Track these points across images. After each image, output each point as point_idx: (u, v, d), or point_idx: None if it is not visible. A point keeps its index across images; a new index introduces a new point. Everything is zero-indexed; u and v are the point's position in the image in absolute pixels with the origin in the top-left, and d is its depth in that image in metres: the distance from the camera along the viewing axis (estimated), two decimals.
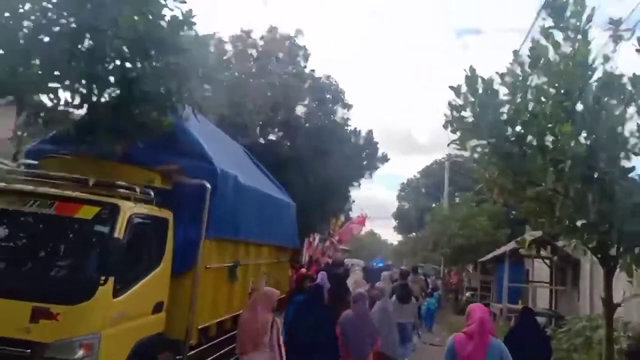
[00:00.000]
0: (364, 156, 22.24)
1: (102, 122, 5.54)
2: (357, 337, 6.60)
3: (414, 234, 50.69)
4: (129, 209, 5.08)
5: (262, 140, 21.30)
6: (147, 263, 5.40)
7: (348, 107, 23.22)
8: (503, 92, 6.52)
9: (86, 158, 5.70)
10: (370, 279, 14.15)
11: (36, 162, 6.00)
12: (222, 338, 7.06)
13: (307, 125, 22.36)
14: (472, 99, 6.45)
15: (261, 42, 22.57)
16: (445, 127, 6.67)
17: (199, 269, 5.95)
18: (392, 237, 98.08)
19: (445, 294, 28.63)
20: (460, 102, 6.54)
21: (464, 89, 6.49)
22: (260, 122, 20.68)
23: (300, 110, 22.71)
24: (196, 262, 5.89)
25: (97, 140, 5.59)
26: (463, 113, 6.54)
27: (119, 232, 4.82)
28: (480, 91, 6.39)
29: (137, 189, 5.41)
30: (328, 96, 22.85)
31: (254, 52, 22.58)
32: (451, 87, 6.53)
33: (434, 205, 38.03)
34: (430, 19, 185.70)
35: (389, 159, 22.65)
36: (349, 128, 22.39)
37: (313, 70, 22.60)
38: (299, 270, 11.90)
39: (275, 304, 5.96)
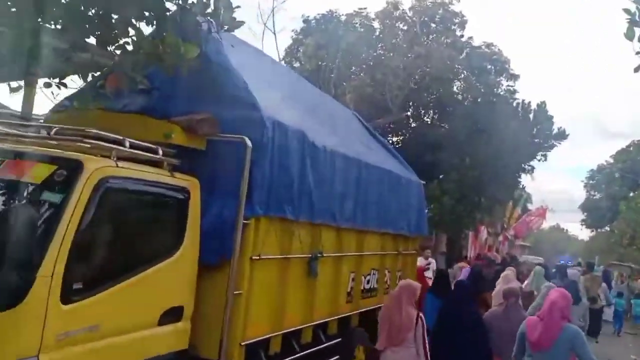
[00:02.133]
0: (534, 133, 18.64)
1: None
2: (501, 337, 5.79)
3: (607, 228, 43.69)
4: (98, 169, 3.33)
5: (409, 119, 19.02)
6: (146, 251, 3.75)
7: (514, 77, 19.87)
8: None
9: (95, 111, 4.30)
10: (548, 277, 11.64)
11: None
12: (295, 356, 5.23)
13: (464, 100, 19.57)
14: None
15: (410, 13, 20.36)
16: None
17: (238, 259, 4.18)
18: (582, 232, 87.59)
19: None
20: None
21: None
22: (407, 100, 18.41)
23: (456, 85, 20.00)
24: (232, 250, 4.15)
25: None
26: None
27: (76, 202, 3.13)
28: None
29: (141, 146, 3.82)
30: (489, 66, 19.78)
31: (402, 25, 20.49)
32: None
33: (631, 194, 31.81)
34: None
35: (568, 135, 18.61)
36: (517, 101, 19.00)
37: (471, 38, 19.75)
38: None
39: (417, 297, 5.59)
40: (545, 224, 70.28)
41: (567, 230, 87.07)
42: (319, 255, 5.36)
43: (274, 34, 18.16)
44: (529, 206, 45.79)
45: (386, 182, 6.98)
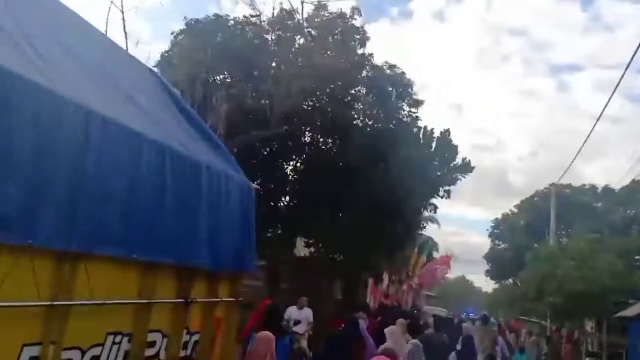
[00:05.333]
0: (437, 164, 16.31)
1: None
2: None
3: (510, 280, 42.83)
4: None
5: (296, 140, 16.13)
6: None
7: (418, 103, 17.64)
8: None
9: None
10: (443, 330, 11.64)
11: None
12: None
13: (363, 125, 17.04)
14: None
15: (306, 24, 17.85)
16: None
17: None
18: (486, 284, 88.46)
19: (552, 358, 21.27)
20: None
21: None
22: (295, 117, 15.55)
23: (355, 108, 17.47)
24: None
25: None
26: None
27: None
28: None
29: None
30: (390, 89, 17.45)
31: (298, 38, 17.92)
32: None
33: (535, 246, 30.59)
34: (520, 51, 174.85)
35: (473, 168, 16.46)
36: (418, 125, 16.68)
37: (372, 55, 17.35)
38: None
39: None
40: (451, 275, 70.06)
41: (472, 282, 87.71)
42: None
43: (122, 12, 14.31)
44: (435, 254, 44.31)
45: (182, 178, 3.77)
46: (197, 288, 4.11)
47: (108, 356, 3.37)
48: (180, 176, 3.88)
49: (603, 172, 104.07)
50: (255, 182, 17.53)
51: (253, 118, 14.87)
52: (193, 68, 15.68)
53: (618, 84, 31.96)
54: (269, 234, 19.69)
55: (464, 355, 8.53)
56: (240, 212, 4.63)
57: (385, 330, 8.80)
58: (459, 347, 9.21)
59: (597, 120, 36.22)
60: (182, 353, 4.05)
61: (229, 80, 16.71)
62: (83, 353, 3.17)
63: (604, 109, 40.49)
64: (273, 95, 14.18)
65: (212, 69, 15.67)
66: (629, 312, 12.89)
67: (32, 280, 2.70)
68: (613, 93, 34.77)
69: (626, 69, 20.25)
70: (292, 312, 10.96)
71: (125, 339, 3.51)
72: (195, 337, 4.17)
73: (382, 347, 5.64)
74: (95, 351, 3.27)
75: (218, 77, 16.27)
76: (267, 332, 5.40)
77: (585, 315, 19.80)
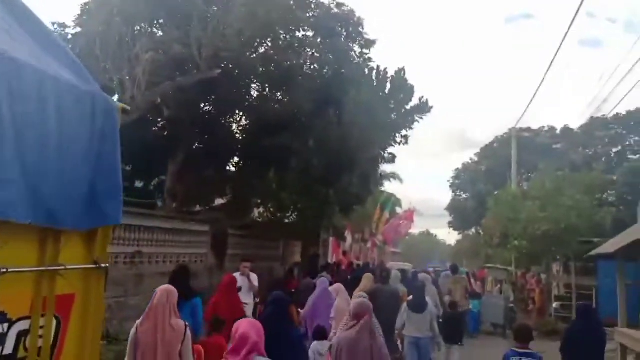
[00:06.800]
0: (393, 107, 14.98)
1: None
2: None
3: (473, 229, 42.69)
4: None
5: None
6: None
7: (370, 44, 16.18)
8: None
9: None
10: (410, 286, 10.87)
11: None
12: None
13: (311, 71, 15.55)
14: None
15: None
16: None
17: None
18: (450, 236, 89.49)
19: (520, 305, 20.81)
20: None
21: None
22: (232, 63, 13.93)
23: (302, 53, 15.91)
24: None
25: None
26: None
27: None
28: None
29: None
30: (339, 29, 15.93)
31: None
32: None
33: (496, 193, 29.95)
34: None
35: (432, 108, 15.17)
36: (370, 66, 15.24)
37: None
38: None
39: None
40: (415, 230, 70.19)
41: (436, 235, 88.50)
42: None
43: None
44: (398, 210, 43.67)
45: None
46: (16, 252, 2.67)
47: None
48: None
49: (560, 117, 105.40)
50: (198, 144, 15.76)
51: (182, 66, 13.21)
52: (114, 16, 13.80)
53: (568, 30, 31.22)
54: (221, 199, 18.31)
55: (414, 306, 8.34)
56: (92, 140, 3.15)
57: (330, 288, 7.79)
58: (410, 297, 9.03)
59: (551, 64, 35.57)
60: None
61: (156, 28, 14.92)
62: None
63: (557, 52, 39.87)
64: (202, 41, 12.46)
65: (135, 16, 13.81)
66: (598, 250, 12.09)
67: None
68: (564, 38, 34.02)
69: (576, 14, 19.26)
70: None
71: None
72: (20, 326, 2.74)
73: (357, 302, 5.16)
74: None
75: (143, 25, 14.42)
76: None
77: (552, 256, 19.20)
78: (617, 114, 30.76)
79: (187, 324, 4.55)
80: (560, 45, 31.18)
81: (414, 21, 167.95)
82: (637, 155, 31.28)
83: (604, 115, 29.56)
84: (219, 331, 6.16)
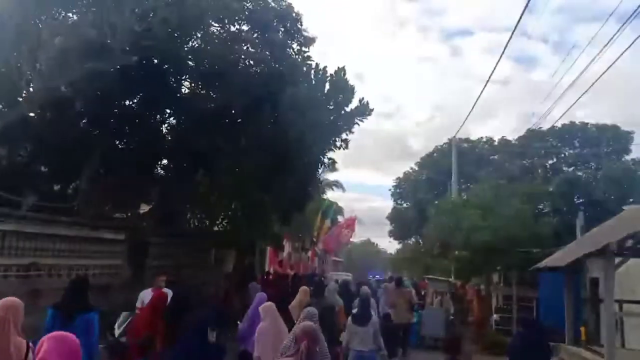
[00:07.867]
0: (331, 107, 14.08)
1: None
2: None
3: (413, 238, 42.51)
4: None
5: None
6: None
7: (309, 42, 15.25)
8: None
9: None
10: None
11: None
12: None
13: (244, 67, 14.43)
14: None
15: None
16: None
17: None
18: (391, 245, 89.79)
19: (460, 316, 20.24)
20: None
21: None
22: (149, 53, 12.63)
23: (236, 48, 14.76)
24: None
25: None
26: None
27: None
28: None
29: None
30: (276, 24, 14.93)
31: None
32: None
33: (436, 202, 29.67)
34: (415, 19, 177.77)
35: (372, 111, 14.37)
36: (309, 64, 14.31)
37: None
38: None
39: None
40: (357, 239, 69.94)
41: (377, 244, 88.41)
42: None
43: None
44: (340, 219, 43.01)
45: None
46: None
47: None
48: None
49: (496, 131, 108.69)
50: (119, 143, 14.16)
51: (99, 54, 11.75)
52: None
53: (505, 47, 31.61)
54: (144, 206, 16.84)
55: (358, 318, 8.08)
56: None
57: (259, 308, 6.72)
58: (354, 310, 8.68)
59: (487, 81, 36.13)
60: None
61: (71, 13, 13.38)
62: None
63: (492, 72, 40.60)
64: (118, 24, 11.07)
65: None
66: (547, 263, 11.58)
67: None
68: (501, 56, 34.71)
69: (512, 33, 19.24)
70: (145, 296, 8.39)
71: None
72: None
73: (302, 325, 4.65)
74: None
75: (56, 8, 12.86)
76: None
77: (492, 267, 18.80)
78: (553, 126, 31.30)
79: (30, 343, 3.70)
80: (498, 62, 31.49)
81: (355, 24, 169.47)
82: (572, 168, 31.91)
83: (540, 128, 29.97)
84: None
